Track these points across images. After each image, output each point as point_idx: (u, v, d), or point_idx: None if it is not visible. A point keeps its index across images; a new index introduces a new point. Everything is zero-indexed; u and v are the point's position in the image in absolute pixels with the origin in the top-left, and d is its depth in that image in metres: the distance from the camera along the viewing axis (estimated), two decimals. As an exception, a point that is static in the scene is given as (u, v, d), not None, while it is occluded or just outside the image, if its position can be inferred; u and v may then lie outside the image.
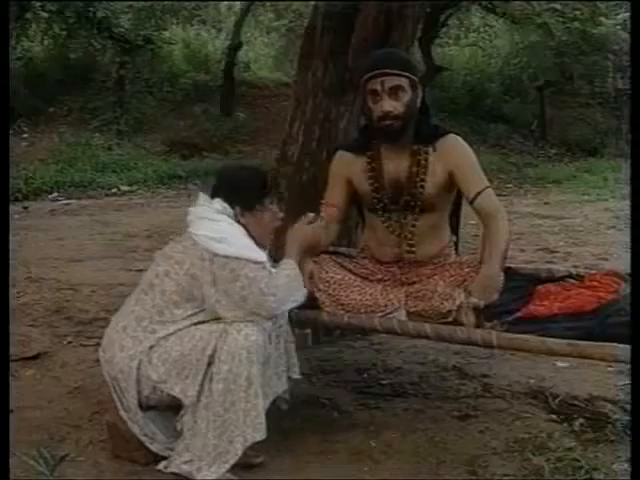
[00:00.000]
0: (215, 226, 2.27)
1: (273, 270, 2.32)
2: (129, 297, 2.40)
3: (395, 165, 2.51)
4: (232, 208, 2.32)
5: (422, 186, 2.48)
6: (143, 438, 2.28)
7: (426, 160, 2.48)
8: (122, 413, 2.28)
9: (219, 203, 2.32)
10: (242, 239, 2.28)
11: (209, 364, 2.20)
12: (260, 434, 2.21)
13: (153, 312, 2.28)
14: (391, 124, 2.43)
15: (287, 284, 2.29)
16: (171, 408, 2.28)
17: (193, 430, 2.22)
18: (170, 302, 2.27)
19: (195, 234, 2.26)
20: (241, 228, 2.31)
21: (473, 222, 2.52)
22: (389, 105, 2.41)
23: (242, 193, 2.33)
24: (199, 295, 2.25)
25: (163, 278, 2.29)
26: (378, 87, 2.42)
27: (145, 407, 2.28)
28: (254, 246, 2.28)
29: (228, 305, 2.23)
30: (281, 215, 2.43)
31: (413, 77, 2.45)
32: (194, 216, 2.33)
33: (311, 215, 2.50)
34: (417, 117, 2.51)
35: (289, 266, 2.33)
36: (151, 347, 2.25)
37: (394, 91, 2.41)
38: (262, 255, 2.27)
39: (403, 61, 2.50)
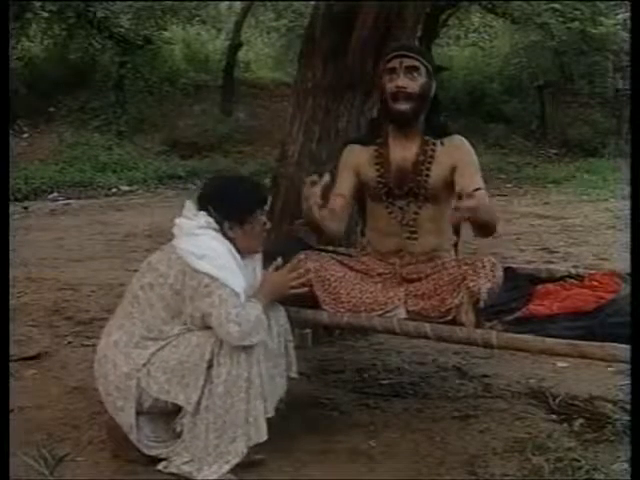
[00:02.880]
0: (199, 242, 2.25)
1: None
2: (118, 307, 2.39)
3: (402, 153, 2.58)
4: (220, 222, 2.29)
5: (427, 175, 2.54)
6: (140, 445, 2.28)
7: (433, 151, 2.56)
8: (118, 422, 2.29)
9: (204, 218, 2.29)
10: (224, 258, 2.23)
11: (208, 368, 2.20)
12: (261, 434, 2.22)
13: (142, 328, 2.27)
14: (404, 109, 2.50)
15: (255, 322, 2.20)
16: (169, 412, 2.28)
17: (193, 432, 2.22)
18: (158, 318, 2.26)
19: (180, 248, 2.25)
20: (226, 243, 2.28)
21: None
22: (404, 82, 2.50)
23: (234, 208, 2.30)
24: (185, 310, 2.24)
25: (148, 291, 2.28)
26: (396, 65, 2.52)
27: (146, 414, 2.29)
28: (235, 270, 2.24)
29: (197, 321, 2.24)
30: (268, 224, 2.40)
31: (429, 66, 2.55)
32: (179, 230, 2.31)
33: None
34: (428, 109, 2.59)
35: (258, 307, 2.25)
36: (144, 364, 2.24)
37: (410, 71, 2.51)
38: (239, 283, 2.23)
39: (422, 50, 2.67)
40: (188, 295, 2.22)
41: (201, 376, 2.20)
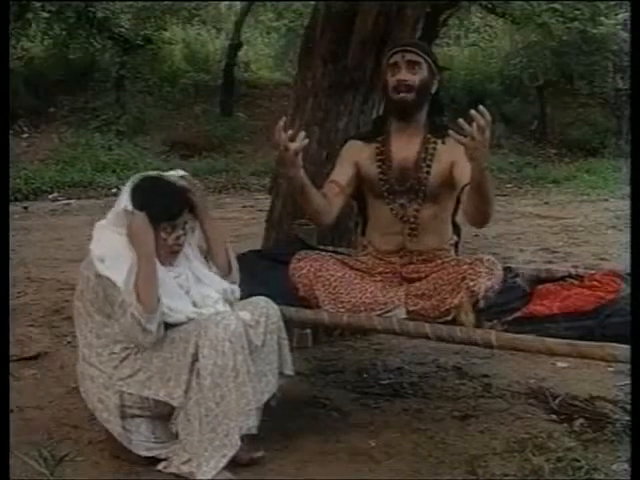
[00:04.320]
0: (101, 239, 2.27)
1: None
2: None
3: (404, 150, 2.59)
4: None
5: (428, 172, 2.56)
6: (136, 448, 2.30)
7: (434, 149, 2.57)
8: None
9: (114, 213, 2.30)
10: (117, 258, 2.22)
11: (193, 362, 2.20)
12: (252, 421, 2.23)
13: (93, 336, 2.30)
14: (404, 97, 2.52)
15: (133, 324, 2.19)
16: (167, 414, 2.28)
17: (187, 429, 2.23)
18: (99, 322, 2.28)
19: (90, 250, 2.27)
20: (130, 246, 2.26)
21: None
22: (405, 75, 2.53)
23: (140, 211, 2.27)
24: (111, 311, 2.25)
25: (82, 299, 2.30)
26: (399, 59, 2.55)
27: (135, 416, 2.30)
28: (124, 268, 2.20)
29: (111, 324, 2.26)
30: (180, 242, 2.31)
31: (431, 62, 2.58)
32: (94, 230, 2.33)
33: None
34: (431, 108, 2.61)
35: (132, 309, 2.19)
36: (115, 367, 2.26)
37: (412, 65, 2.55)
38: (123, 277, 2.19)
39: (424, 46, 2.67)
40: (103, 297, 2.24)
41: (184, 370, 2.21)
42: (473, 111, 2.09)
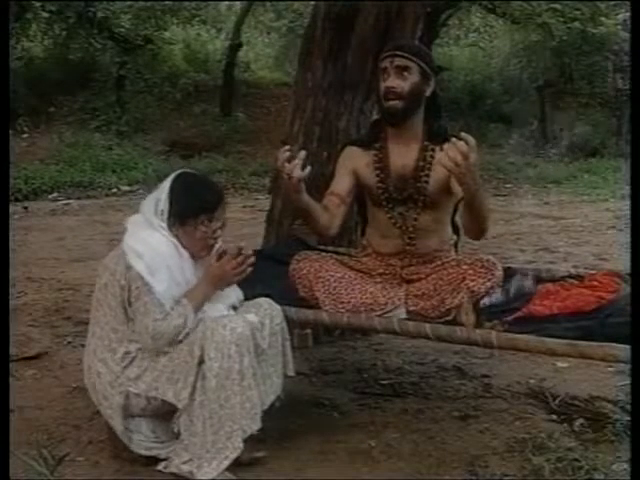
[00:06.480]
0: (140, 238, 2.26)
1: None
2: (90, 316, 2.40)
3: (402, 158, 2.56)
4: (169, 217, 2.29)
5: (426, 181, 2.53)
6: (137, 448, 2.30)
7: (432, 157, 2.53)
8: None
9: (151, 212, 2.31)
10: (160, 259, 2.23)
11: (199, 364, 2.20)
12: (256, 424, 2.23)
13: (109, 331, 2.29)
14: (393, 105, 2.48)
15: (171, 334, 2.21)
16: (168, 413, 2.28)
17: (190, 430, 2.22)
18: (118, 317, 2.27)
19: (125, 243, 2.26)
20: (171, 241, 2.27)
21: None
22: (393, 82, 2.48)
23: (178, 206, 2.29)
24: (129, 307, 2.26)
25: (104, 291, 2.30)
26: (387, 65, 2.50)
27: (136, 416, 2.30)
28: (169, 274, 2.23)
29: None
30: (216, 235, 2.33)
31: (424, 65, 2.51)
32: (129, 223, 2.33)
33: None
34: (429, 114, 2.56)
35: (185, 310, 2.23)
36: (125, 367, 2.26)
37: (401, 70, 2.48)
38: (168, 289, 2.22)
39: (416, 48, 2.61)
40: (127, 291, 2.24)
41: (192, 372, 2.20)
42: (454, 139, 2.08)
